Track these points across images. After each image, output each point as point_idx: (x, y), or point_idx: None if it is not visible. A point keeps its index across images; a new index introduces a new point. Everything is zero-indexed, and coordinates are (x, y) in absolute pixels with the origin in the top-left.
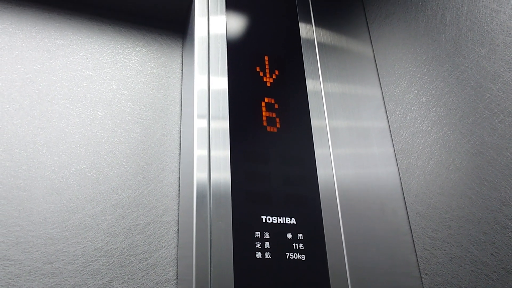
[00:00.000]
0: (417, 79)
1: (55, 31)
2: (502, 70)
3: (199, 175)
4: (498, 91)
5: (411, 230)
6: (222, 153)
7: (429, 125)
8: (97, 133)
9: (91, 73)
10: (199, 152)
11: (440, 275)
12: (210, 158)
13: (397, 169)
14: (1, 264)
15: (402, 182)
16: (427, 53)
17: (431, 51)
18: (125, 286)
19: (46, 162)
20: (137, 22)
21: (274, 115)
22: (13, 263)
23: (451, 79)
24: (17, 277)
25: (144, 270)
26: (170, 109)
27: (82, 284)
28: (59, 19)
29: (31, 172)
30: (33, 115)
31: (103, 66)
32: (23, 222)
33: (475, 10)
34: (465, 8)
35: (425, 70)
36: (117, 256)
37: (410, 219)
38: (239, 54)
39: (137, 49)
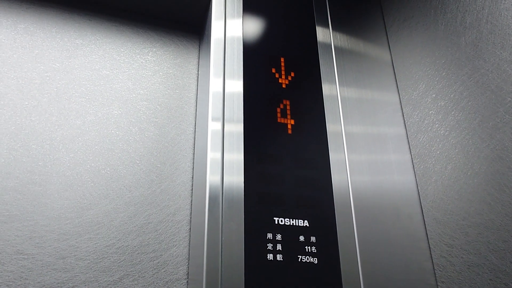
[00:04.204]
0: (436, 82)
1: (75, 31)
2: None
3: (212, 178)
4: None
5: (427, 236)
6: (236, 156)
7: (447, 129)
8: (112, 131)
9: (108, 72)
10: (213, 155)
11: (457, 284)
12: (224, 161)
13: (413, 174)
14: (15, 258)
15: (419, 187)
16: (446, 56)
17: (450, 54)
18: (135, 284)
19: (61, 158)
20: (155, 24)
21: (289, 117)
22: (26, 257)
23: (471, 82)
24: (30, 271)
25: (155, 269)
26: (185, 109)
27: (93, 280)
28: (79, 20)
29: (47, 168)
30: (50, 112)
31: (120, 65)
32: (38, 217)
33: (497, 12)
34: (486, 10)
35: (444, 73)
36: (128, 254)
37: (426, 225)
38: (255, 56)
39: (154, 49)
